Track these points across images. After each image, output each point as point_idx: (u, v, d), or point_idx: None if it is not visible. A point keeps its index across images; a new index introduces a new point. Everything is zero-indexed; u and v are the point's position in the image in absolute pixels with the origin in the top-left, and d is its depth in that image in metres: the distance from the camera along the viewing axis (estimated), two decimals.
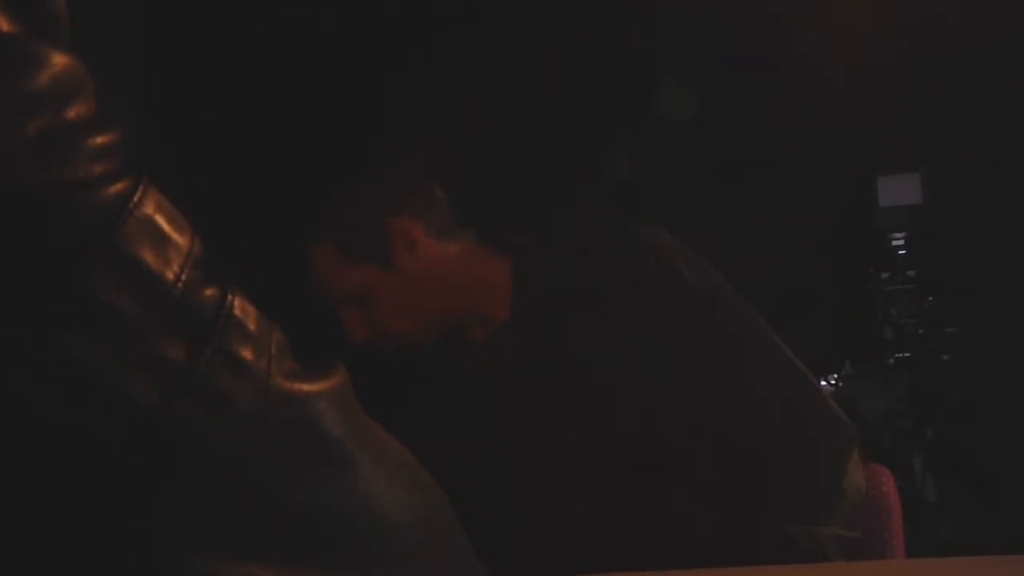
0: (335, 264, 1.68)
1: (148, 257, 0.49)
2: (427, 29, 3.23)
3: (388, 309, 1.69)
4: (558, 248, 1.75)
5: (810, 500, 1.55)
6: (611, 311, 1.64)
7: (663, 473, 1.61)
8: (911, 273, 3.10)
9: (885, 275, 3.10)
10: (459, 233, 1.74)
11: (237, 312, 0.52)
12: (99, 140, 0.49)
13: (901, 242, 3.14)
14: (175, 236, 0.51)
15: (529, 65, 3.07)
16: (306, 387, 0.53)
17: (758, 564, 1.40)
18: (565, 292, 1.68)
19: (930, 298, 3.07)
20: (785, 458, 1.57)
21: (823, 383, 3.13)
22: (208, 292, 0.51)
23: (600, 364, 1.63)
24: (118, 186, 0.49)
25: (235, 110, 3.03)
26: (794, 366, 1.64)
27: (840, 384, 3.11)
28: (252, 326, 0.52)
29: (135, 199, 0.50)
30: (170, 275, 0.49)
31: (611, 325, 1.64)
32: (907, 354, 3.03)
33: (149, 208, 0.50)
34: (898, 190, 3.17)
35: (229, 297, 0.52)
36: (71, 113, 0.48)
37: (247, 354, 0.51)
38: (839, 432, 1.59)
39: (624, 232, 1.72)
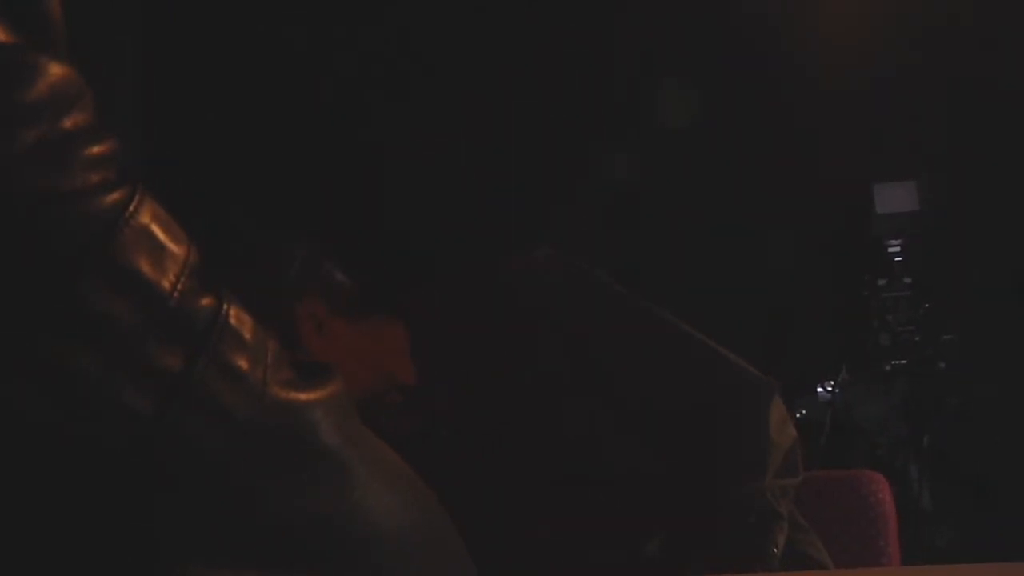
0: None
1: (144, 266, 0.49)
2: (427, 29, 3.23)
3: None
4: (442, 302, 1.81)
5: (741, 461, 1.58)
6: (502, 348, 1.69)
7: (600, 485, 1.63)
8: (908, 280, 3.09)
9: (882, 282, 3.10)
10: (358, 310, 1.79)
11: (233, 321, 0.52)
12: (95, 149, 0.49)
13: (898, 249, 3.13)
14: (171, 245, 0.51)
15: (528, 66, 3.07)
16: (302, 396, 0.53)
17: (719, 545, 1.44)
18: (456, 344, 1.74)
19: (927, 305, 3.07)
20: (706, 430, 1.61)
21: (820, 389, 3.13)
22: (204, 301, 0.51)
23: (508, 401, 1.68)
24: (114, 195, 0.49)
25: (234, 112, 3.03)
26: (689, 340, 1.68)
27: (837, 391, 3.11)
28: (248, 335, 0.52)
29: (131, 208, 0.50)
30: (166, 284, 0.49)
31: (507, 361, 1.68)
32: (903, 361, 3.03)
33: (145, 217, 0.50)
34: (895, 197, 3.17)
35: (225, 306, 0.52)
36: (68, 123, 0.49)
37: (243, 363, 0.51)
38: (752, 389, 1.62)
39: (494, 267, 1.77)
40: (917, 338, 3.06)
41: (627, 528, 1.62)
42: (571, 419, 1.65)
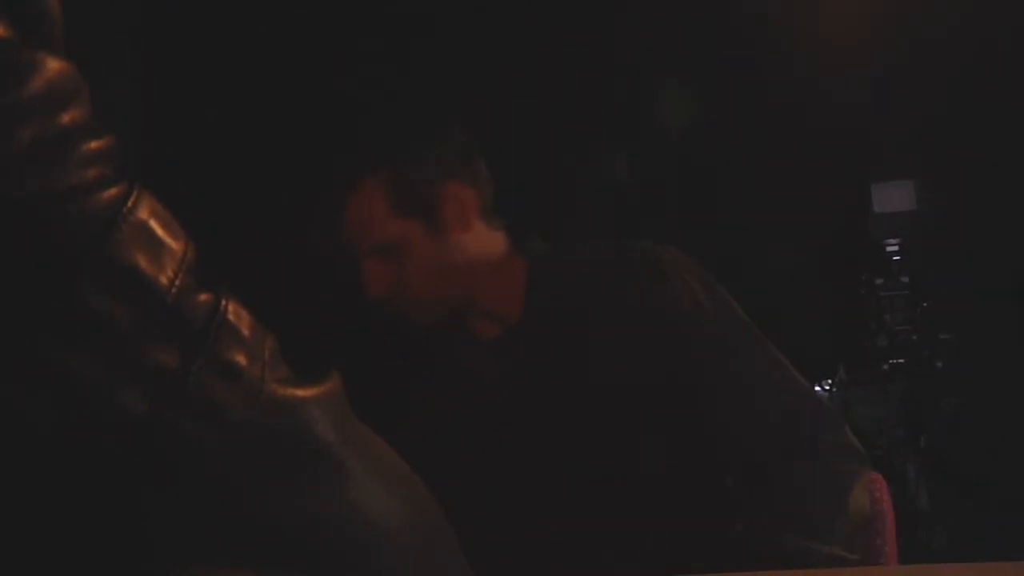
0: (379, 213, 1.67)
1: (142, 263, 0.49)
2: (427, 29, 3.23)
3: (418, 268, 1.68)
4: (572, 259, 1.76)
5: (812, 514, 1.55)
6: (618, 324, 1.65)
7: (662, 483, 1.60)
8: (905, 279, 3.10)
9: (879, 281, 3.10)
10: (496, 220, 1.76)
11: (231, 318, 0.52)
12: (93, 145, 0.49)
13: (895, 248, 3.14)
14: (169, 241, 0.51)
15: (528, 67, 3.07)
16: (299, 393, 0.53)
17: (751, 571, 1.40)
18: (575, 304, 1.69)
19: (924, 304, 3.07)
20: (790, 470, 1.57)
21: (817, 389, 3.13)
22: (202, 298, 0.51)
23: (605, 376, 1.63)
24: (112, 191, 0.49)
25: (234, 110, 3.03)
26: (805, 389, 1.64)
27: (834, 390, 3.11)
28: (246, 331, 0.52)
29: (129, 204, 0.49)
30: (164, 281, 0.49)
31: (618, 338, 1.64)
32: (901, 361, 3.03)
33: (143, 213, 0.50)
34: (892, 196, 3.17)
35: (223, 303, 0.51)
36: (65, 119, 0.48)
37: (241, 360, 0.51)
38: (850, 454, 1.59)
39: (634, 247, 1.72)
40: (914, 337, 3.06)
41: (665, 526, 1.59)
42: (655, 415, 1.61)
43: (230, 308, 0.52)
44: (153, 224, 0.50)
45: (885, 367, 3.01)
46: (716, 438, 1.59)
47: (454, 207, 1.71)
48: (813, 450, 1.58)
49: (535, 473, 1.65)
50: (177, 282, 0.50)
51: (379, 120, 1.77)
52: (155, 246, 0.50)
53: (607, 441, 1.62)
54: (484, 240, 1.74)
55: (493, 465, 1.67)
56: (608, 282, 1.69)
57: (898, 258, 3.10)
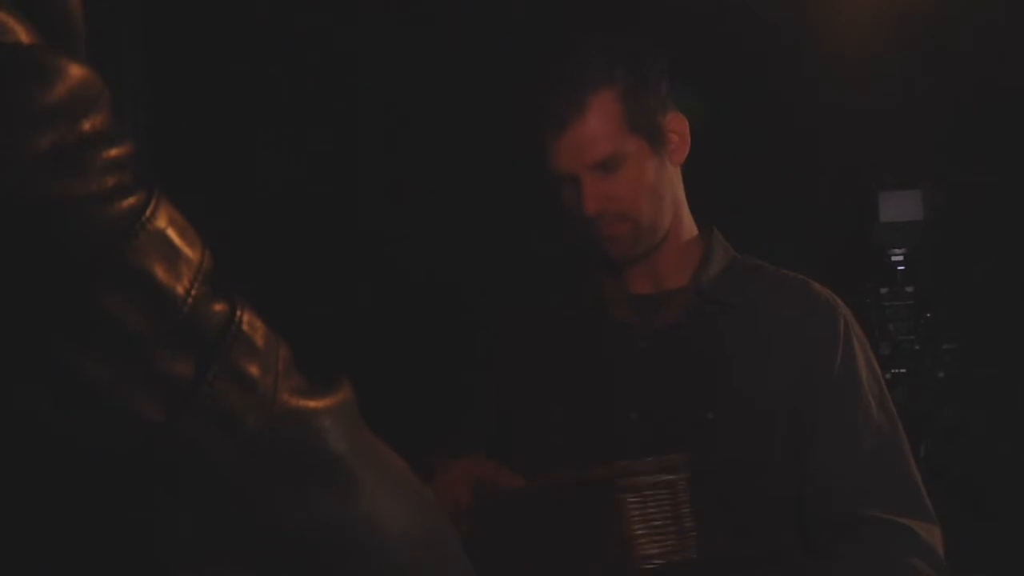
0: (616, 123, 1.70)
1: (159, 272, 0.49)
2: (423, 33, 3.24)
3: (639, 185, 1.72)
4: (747, 261, 1.80)
5: None
6: (781, 337, 1.68)
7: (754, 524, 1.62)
8: (910, 289, 3.09)
9: (884, 290, 3.10)
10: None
11: (245, 328, 0.52)
12: (113, 152, 0.49)
13: (901, 258, 3.13)
14: (186, 250, 0.51)
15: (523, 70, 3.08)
16: (311, 403, 0.53)
17: None
18: (747, 299, 1.72)
19: (928, 315, 3.06)
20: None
21: None
22: (217, 308, 0.51)
23: (743, 382, 1.65)
24: (131, 199, 0.49)
25: (242, 113, 3.04)
26: (909, 482, 1.69)
27: None
28: (260, 342, 0.52)
29: (147, 212, 0.50)
30: (180, 290, 0.49)
31: (775, 350, 1.67)
32: (903, 370, 3.02)
33: (161, 221, 0.50)
34: (899, 206, 3.16)
35: (238, 312, 0.52)
36: (87, 125, 0.48)
37: (254, 370, 0.51)
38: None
39: (815, 285, 1.79)
40: (917, 347, 3.05)
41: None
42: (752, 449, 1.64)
43: (245, 318, 0.52)
44: (171, 233, 0.50)
45: (888, 376, 3.00)
46: (803, 484, 1.61)
47: (676, 137, 1.77)
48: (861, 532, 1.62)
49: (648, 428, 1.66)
50: (193, 292, 0.50)
51: (611, 39, 1.78)
52: (172, 255, 0.50)
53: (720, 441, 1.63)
54: (681, 185, 1.79)
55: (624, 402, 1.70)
56: (784, 296, 1.72)
57: (903, 268, 3.10)
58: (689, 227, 1.83)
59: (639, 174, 1.71)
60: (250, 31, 3.12)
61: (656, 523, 1.43)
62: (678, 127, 1.78)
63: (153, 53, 2.83)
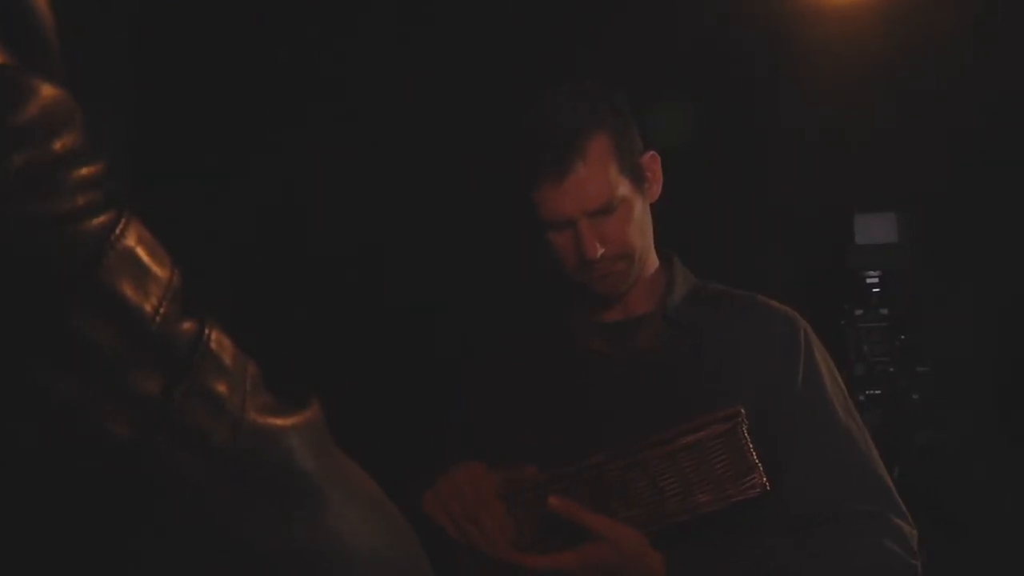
0: (612, 168, 1.71)
1: (128, 290, 0.49)
2: (420, 37, 3.24)
3: (632, 227, 1.75)
4: (706, 285, 1.82)
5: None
6: (748, 350, 1.74)
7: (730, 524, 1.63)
8: (884, 311, 3.11)
9: (859, 312, 3.12)
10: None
11: (213, 346, 0.52)
12: (84, 171, 0.50)
13: (876, 280, 3.15)
14: (155, 268, 0.51)
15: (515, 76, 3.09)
16: (279, 422, 0.54)
17: None
18: (711, 319, 1.79)
19: (903, 337, 3.09)
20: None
21: None
22: (186, 326, 0.51)
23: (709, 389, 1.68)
24: (101, 218, 0.49)
25: (228, 115, 3.03)
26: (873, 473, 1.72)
27: None
28: (228, 360, 0.53)
29: (117, 231, 0.50)
30: (148, 308, 0.50)
31: (742, 363, 1.73)
32: (878, 392, 3.04)
33: (131, 240, 0.50)
34: (874, 228, 3.19)
35: (206, 331, 0.52)
36: (58, 145, 0.49)
37: (222, 389, 0.51)
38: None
39: (777, 306, 1.84)
40: (891, 369, 3.07)
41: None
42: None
43: (213, 336, 0.52)
44: (140, 251, 0.51)
45: (862, 398, 3.02)
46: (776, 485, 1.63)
47: (651, 175, 1.79)
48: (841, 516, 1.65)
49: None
50: (162, 310, 0.50)
51: (580, 84, 1.79)
52: (141, 273, 0.50)
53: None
54: (649, 224, 1.81)
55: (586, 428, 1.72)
56: (747, 316, 1.76)
57: (878, 290, 3.12)
58: (654, 257, 1.86)
59: (630, 213, 1.74)
60: (225, 49, 3.12)
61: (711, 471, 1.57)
62: (652, 165, 1.80)
63: (141, 58, 2.83)
